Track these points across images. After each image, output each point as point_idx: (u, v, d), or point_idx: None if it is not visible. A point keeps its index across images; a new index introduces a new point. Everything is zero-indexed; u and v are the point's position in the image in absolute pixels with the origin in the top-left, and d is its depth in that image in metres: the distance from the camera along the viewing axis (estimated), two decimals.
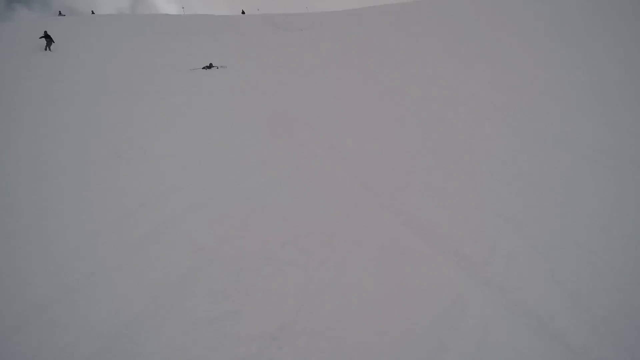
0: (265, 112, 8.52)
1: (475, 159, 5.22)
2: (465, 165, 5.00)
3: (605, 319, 2.47)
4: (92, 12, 24.46)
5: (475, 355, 2.22)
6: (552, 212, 3.77)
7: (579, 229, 3.46)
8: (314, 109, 8.27)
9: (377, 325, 2.44)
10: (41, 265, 3.23)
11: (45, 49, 15.33)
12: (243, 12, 25.88)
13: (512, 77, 10.06)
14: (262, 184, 4.60)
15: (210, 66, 16.29)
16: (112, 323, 2.52)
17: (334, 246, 3.34)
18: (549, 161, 5.07)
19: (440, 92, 9.26)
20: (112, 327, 2.51)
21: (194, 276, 2.98)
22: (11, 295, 2.92)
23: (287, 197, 4.27)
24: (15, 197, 4.56)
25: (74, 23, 18.12)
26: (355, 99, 9.33)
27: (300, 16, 21.19)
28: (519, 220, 3.58)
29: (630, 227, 3.46)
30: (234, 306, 2.68)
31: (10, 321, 2.67)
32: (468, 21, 16.92)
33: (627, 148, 5.39)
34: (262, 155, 5.72)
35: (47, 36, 15.24)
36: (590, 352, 2.23)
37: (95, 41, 15.89)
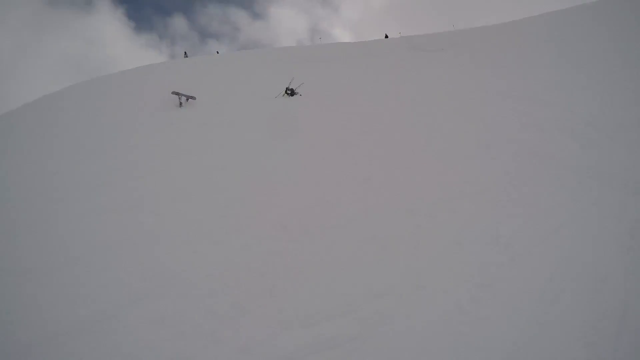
0: None
1: None
2: None
3: None
4: (217, 52, 27.92)
5: None
6: None
7: None
8: None
9: None
10: None
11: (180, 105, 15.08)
12: (386, 37, 26.94)
13: None
14: None
15: (291, 92, 16.97)
16: None
17: None
18: None
19: None
20: None
21: None
22: None
23: None
24: None
25: (199, 64, 21.28)
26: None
27: (442, 36, 21.05)
28: None
29: None
30: None
31: None
32: None
33: None
34: None
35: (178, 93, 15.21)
36: None
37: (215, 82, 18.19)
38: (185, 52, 27.48)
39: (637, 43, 13.60)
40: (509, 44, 17.27)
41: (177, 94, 15.52)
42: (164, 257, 6.06)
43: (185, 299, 5.17)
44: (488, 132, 9.59)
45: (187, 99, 15.43)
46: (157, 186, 8.57)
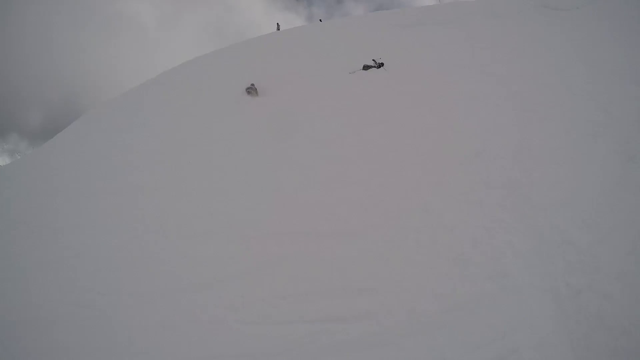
0: None
1: None
2: None
3: None
4: (320, 20, 28.01)
5: None
6: None
7: None
8: None
9: None
10: None
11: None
12: None
13: None
14: None
15: (369, 66, 16.58)
16: None
17: None
18: None
19: None
20: None
21: None
22: None
23: None
24: None
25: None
26: None
27: None
28: None
29: None
30: None
31: None
32: None
33: None
34: None
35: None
36: None
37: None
38: (320, 19, 28.86)
39: None
40: None
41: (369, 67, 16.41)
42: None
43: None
44: None
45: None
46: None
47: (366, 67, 16.96)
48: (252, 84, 16.09)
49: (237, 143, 11.56)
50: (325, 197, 8.20)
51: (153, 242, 7.42)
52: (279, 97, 15.25)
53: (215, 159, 10.66)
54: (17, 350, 5.70)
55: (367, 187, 8.39)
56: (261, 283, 5.98)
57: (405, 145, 9.76)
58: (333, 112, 12.91)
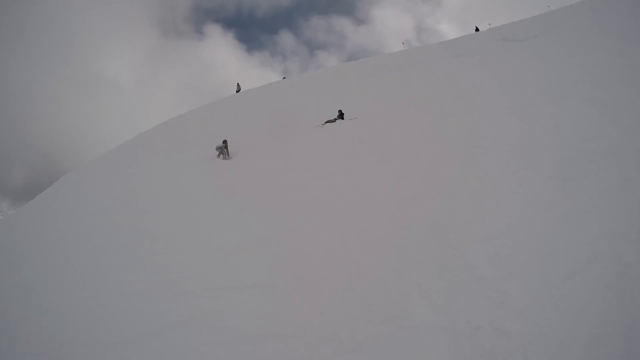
0: None
1: None
2: None
3: None
4: (284, 78, 29.07)
5: None
6: None
7: None
8: None
9: None
10: None
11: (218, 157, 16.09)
12: (477, 29, 25.68)
13: None
14: None
15: (335, 119, 17.09)
16: None
17: None
18: None
19: None
20: None
21: None
22: None
23: None
24: None
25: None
26: None
27: (532, 21, 19.33)
28: None
29: None
30: None
31: None
32: None
33: None
34: None
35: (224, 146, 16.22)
36: None
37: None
38: (284, 77, 30.07)
39: None
40: (608, 20, 15.38)
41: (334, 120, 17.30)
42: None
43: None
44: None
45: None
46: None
47: (330, 121, 17.43)
48: (225, 141, 16.79)
49: (198, 203, 12.23)
50: (260, 251, 8.36)
51: (110, 299, 7.79)
52: (247, 156, 15.96)
53: (175, 221, 11.26)
54: None
55: (297, 240, 8.43)
56: (190, 333, 6.21)
57: (343, 196, 9.79)
58: (290, 168, 13.35)
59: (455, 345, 4.54)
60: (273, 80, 29.58)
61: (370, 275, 6.45)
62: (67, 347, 6.57)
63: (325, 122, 17.38)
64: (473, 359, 4.27)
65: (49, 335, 7.01)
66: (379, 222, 8.00)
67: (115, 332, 6.67)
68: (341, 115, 17.48)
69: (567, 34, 15.18)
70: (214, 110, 22.28)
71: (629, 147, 7.47)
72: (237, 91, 27.74)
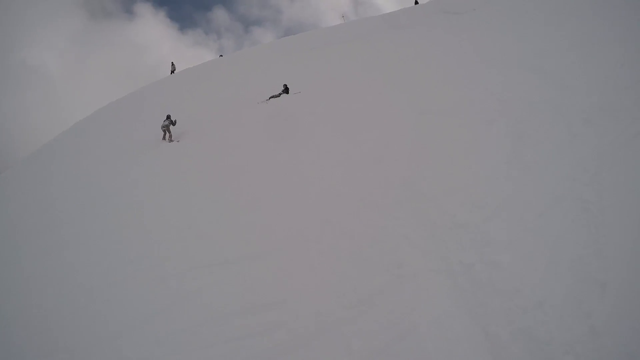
0: None
1: None
2: None
3: None
4: (221, 56, 29.06)
5: None
6: None
7: None
8: None
9: None
10: None
11: (164, 138, 15.79)
12: (416, 2, 26.91)
13: None
14: None
15: (279, 94, 17.70)
16: None
17: None
18: None
19: None
20: None
21: None
22: None
23: None
24: None
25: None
26: None
27: None
28: None
29: None
30: None
31: None
32: None
33: None
34: None
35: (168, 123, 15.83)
36: None
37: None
38: (220, 55, 29.54)
39: None
40: None
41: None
42: None
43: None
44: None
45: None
46: None
47: (274, 96, 17.61)
48: (168, 116, 16.45)
49: (154, 186, 12.11)
50: (233, 225, 8.56)
51: (88, 294, 7.68)
52: (196, 137, 15.81)
53: (135, 206, 11.12)
54: None
55: (271, 210, 8.70)
56: (181, 315, 6.27)
57: (308, 164, 10.17)
58: (242, 142, 13.50)
59: (454, 283, 5.12)
60: (209, 59, 29.00)
61: (356, 233, 6.91)
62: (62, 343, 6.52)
63: (270, 98, 17.51)
64: (473, 292, 4.86)
65: (41, 336, 6.89)
66: (351, 185, 8.47)
67: (103, 325, 6.65)
68: (286, 90, 17.67)
69: (505, 7, 16.34)
70: (150, 93, 21.71)
71: (574, 107, 8.44)
72: (172, 72, 27.00)
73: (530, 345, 3.92)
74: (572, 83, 9.33)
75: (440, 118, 10.29)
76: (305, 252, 6.90)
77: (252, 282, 6.56)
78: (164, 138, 16.10)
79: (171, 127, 16.05)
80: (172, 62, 27.21)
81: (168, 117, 16.36)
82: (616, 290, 4.00)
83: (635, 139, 6.30)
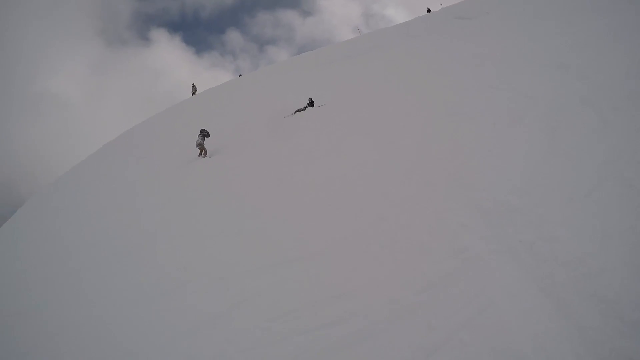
0: None
1: None
2: None
3: None
4: (240, 75, 29.83)
5: None
6: None
7: None
8: None
9: None
10: None
11: (200, 155, 16.32)
12: (429, 11, 27.79)
13: None
14: None
15: (304, 108, 18.30)
16: None
17: None
18: None
19: None
20: None
21: None
22: None
23: None
24: None
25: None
26: None
27: None
28: None
29: None
30: None
31: None
32: None
33: None
34: None
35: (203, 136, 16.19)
36: None
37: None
38: (240, 74, 30.31)
39: None
40: None
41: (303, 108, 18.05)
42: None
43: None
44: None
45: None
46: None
47: (300, 110, 18.37)
48: (202, 130, 16.90)
49: (192, 203, 12.70)
50: (287, 227, 9.11)
51: (118, 307, 8.14)
52: (229, 154, 16.50)
53: (175, 220, 11.78)
54: None
55: (321, 212, 9.27)
56: (248, 315, 6.47)
57: (349, 169, 10.86)
58: (280, 154, 14.35)
59: (518, 260, 5.62)
60: (228, 80, 29.88)
61: (412, 225, 7.40)
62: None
63: (296, 112, 18.22)
64: (538, 265, 5.37)
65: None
66: (397, 184, 9.05)
67: (156, 329, 6.97)
68: (311, 103, 18.39)
69: (518, 8, 17.12)
70: (175, 114, 22.60)
71: (600, 98, 9.09)
72: (193, 93, 27.77)
73: (601, 306, 4.45)
74: (595, 76, 9.97)
75: (470, 119, 10.91)
76: (365, 247, 7.29)
77: (317, 278, 6.84)
78: (200, 154, 16.64)
79: (205, 144, 16.54)
80: (192, 84, 28.01)
81: (202, 131, 16.70)
82: None
83: None
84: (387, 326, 5.34)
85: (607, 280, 4.76)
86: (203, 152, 16.66)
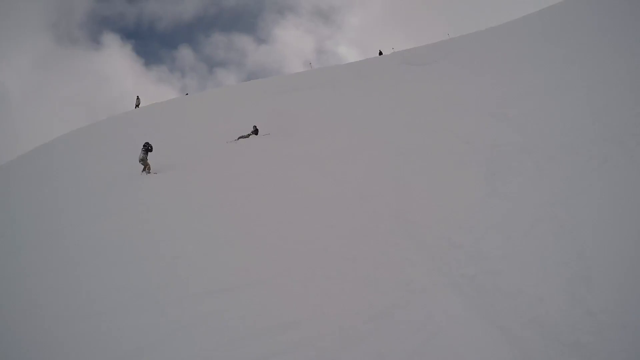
0: None
1: None
2: None
3: None
4: (187, 94, 30.01)
5: None
6: None
7: None
8: None
9: None
10: None
11: (143, 171, 15.66)
12: (380, 53, 29.15)
13: None
14: None
15: (248, 135, 18.65)
16: None
17: None
18: None
19: None
20: None
21: None
22: None
23: None
24: None
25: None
26: None
27: (433, 47, 22.88)
28: None
29: None
30: None
31: None
32: None
33: None
34: None
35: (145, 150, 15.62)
36: None
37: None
38: (186, 93, 30.07)
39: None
40: (503, 46, 18.95)
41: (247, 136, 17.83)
42: None
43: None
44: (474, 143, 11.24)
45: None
46: None
47: (243, 137, 18.41)
48: (145, 144, 16.18)
49: (136, 216, 12.23)
50: (226, 255, 8.79)
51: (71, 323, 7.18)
52: (173, 171, 16.10)
53: (119, 233, 11.16)
54: None
55: (265, 241, 9.08)
56: (185, 343, 6.07)
57: (297, 200, 10.92)
58: (226, 178, 14.14)
59: (461, 292, 5.87)
60: (172, 97, 29.49)
61: (357, 258, 7.50)
62: None
63: (239, 138, 18.20)
64: (480, 297, 5.64)
65: None
66: (342, 218, 9.24)
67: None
68: (255, 131, 18.51)
69: (465, 59, 18.26)
70: (118, 124, 21.92)
71: (537, 147, 9.73)
72: (137, 105, 27.27)
73: (541, 330, 4.75)
74: (532, 128, 10.70)
75: (415, 158, 11.38)
76: (310, 277, 7.26)
77: (262, 306, 6.60)
78: (143, 170, 15.90)
79: (148, 159, 15.83)
80: (137, 96, 27.61)
81: (145, 144, 15.97)
82: (600, 281, 4.99)
83: (595, 172, 7.53)
84: (336, 355, 5.30)
85: (546, 308, 5.05)
86: (146, 167, 15.80)
